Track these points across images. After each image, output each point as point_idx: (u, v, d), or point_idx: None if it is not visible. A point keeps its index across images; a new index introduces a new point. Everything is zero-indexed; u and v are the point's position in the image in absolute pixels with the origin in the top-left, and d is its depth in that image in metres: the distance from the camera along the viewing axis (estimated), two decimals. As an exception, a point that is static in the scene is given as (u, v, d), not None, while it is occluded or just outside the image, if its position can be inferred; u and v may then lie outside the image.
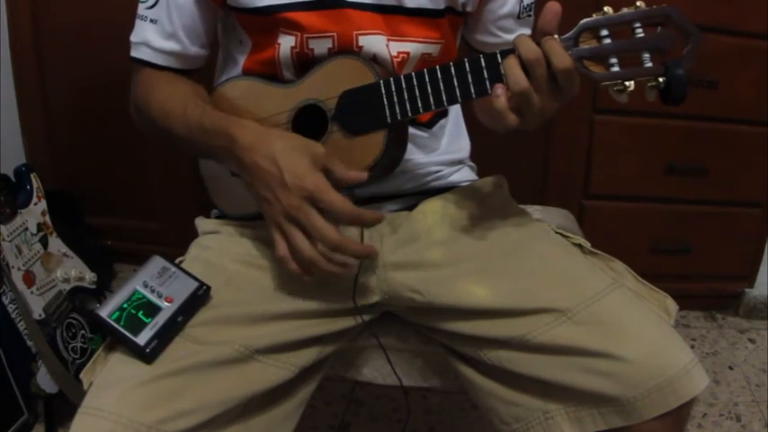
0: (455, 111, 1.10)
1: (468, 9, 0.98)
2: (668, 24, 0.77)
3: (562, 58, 0.77)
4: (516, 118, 0.81)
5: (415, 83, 0.85)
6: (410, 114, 0.86)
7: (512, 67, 0.78)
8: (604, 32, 0.79)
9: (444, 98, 0.84)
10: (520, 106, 0.80)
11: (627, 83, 0.79)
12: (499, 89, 0.80)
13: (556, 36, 0.79)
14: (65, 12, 1.78)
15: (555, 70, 0.77)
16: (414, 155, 1.01)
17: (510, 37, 1.01)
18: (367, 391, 1.63)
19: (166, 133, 0.94)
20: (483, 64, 0.82)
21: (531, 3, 1.00)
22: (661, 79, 0.78)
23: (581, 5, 0.82)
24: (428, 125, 1.03)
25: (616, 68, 0.79)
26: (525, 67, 0.78)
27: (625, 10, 0.78)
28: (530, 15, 1.01)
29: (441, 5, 0.94)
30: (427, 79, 0.85)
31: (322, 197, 0.81)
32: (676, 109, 1.61)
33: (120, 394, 0.77)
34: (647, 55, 0.78)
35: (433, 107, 0.86)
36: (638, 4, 0.78)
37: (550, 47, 0.77)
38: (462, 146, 1.11)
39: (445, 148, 1.06)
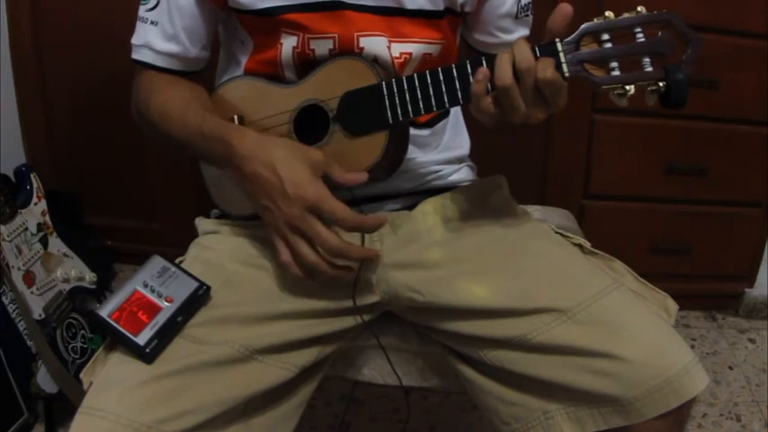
0: (455, 108, 1.10)
1: (467, 9, 0.98)
2: (669, 29, 0.78)
3: (547, 71, 0.77)
4: (493, 106, 0.81)
5: (417, 84, 0.85)
6: (411, 115, 0.86)
7: (503, 62, 0.79)
8: (605, 37, 0.79)
9: (446, 99, 0.85)
10: (500, 100, 0.80)
11: (627, 87, 0.79)
12: (480, 75, 0.81)
13: (557, 40, 0.79)
14: (65, 12, 1.78)
15: (538, 81, 0.78)
16: (414, 154, 1.01)
17: (508, 37, 1.01)
18: (367, 391, 1.63)
19: (166, 136, 0.94)
20: (484, 66, 0.82)
21: (529, 2, 1.00)
22: (661, 84, 0.78)
23: (583, 10, 0.82)
24: (429, 124, 1.03)
25: (617, 72, 0.79)
26: (516, 72, 0.79)
27: (626, 15, 0.79)
28: (527, 15, 1.01)
29: (440, 6, 0.94)
30: (429, 81, 0.85)
31: (323, 206, 0.82)
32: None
33: (119, 394, 0.77)
34: (647, 59, 0.79)
35: (434, 108, 0.86)
36: (638, 9, 0.78)
37: (542, 59, 0.78)
38: (462, 142, 1.11)
39: (445, 145, 1.07)
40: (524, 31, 1.03)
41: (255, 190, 0.85)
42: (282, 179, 0.82)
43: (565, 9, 0.78)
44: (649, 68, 0.79)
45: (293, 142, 0.89)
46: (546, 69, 0.78)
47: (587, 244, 1.00)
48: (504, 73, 0.79)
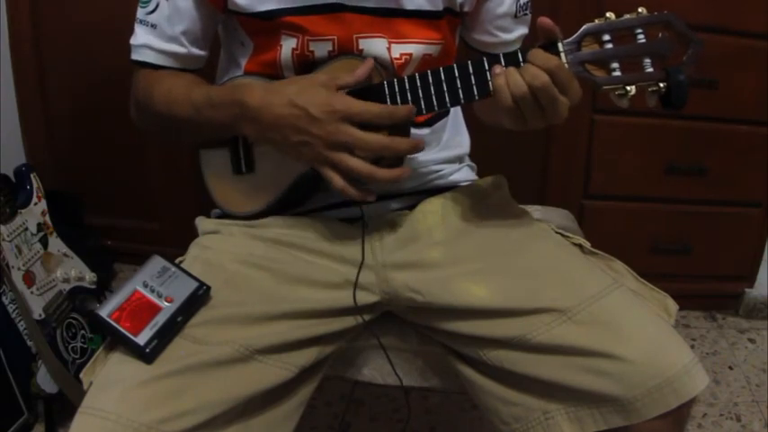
0: (455, 107, 1.10)
1: (466, 9, 0.98)
2: (669, 30, 0.78)
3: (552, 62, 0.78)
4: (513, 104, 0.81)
5: (419, 84, 0.85)
6: (414, 112, 0.86)
7: (530, 64, 0.80)
8: (607, 37, 0.80)
9: (447, 99, 0.85)
10: (540, 99, 0.80)
11: (628, 87, 0.79)
12: (498, 68, 0.82)
13: (559, 40, 0.80)
14: (65, 12, 1.78)
15: (557, 80, 0.78)
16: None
17: (508, 36, 1.01)
18: (367, 391, 1.63)
19: (172, 123, 0.94)
20: (486, 66, 0.83)
21: (528, 1, 1.01)
22: (662, 84, 0.79)
23: (584, 10, 0.83)
24: (428, 123, 1.03)
25: (618, 73, 0.80)
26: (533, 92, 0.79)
27: (627, 16, 0.79)
28: (526, 14, 1.01)
29: (439, 6, 0.95)
30: (431, 81, 0.85)
31: (354, 109, 0.83)
32: (677, 109, 1.62)
33: (120, 394, 0.77)
34: (648, 60, 0.79)
35: (436, 108, 0.86)
36: (639, 10, 0.79)
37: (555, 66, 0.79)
38: (462, 141, 1.11)
39: (446, 143, 1.07)
40: (523, 30, 1.03)
41: (284, 133, 0.85)
42: (305, 107, 0.83)
43: (545, 25, 0.80)
44: (650, 69, 0.79)
45: (296, 77, 0.90)
46: (551, 61, 0.79)
47: (587, 244, 1.00)
48: (538, 73, 0.79)
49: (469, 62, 0.84)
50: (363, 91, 0.88)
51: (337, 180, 0.85)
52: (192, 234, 1.03)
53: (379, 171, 0.84)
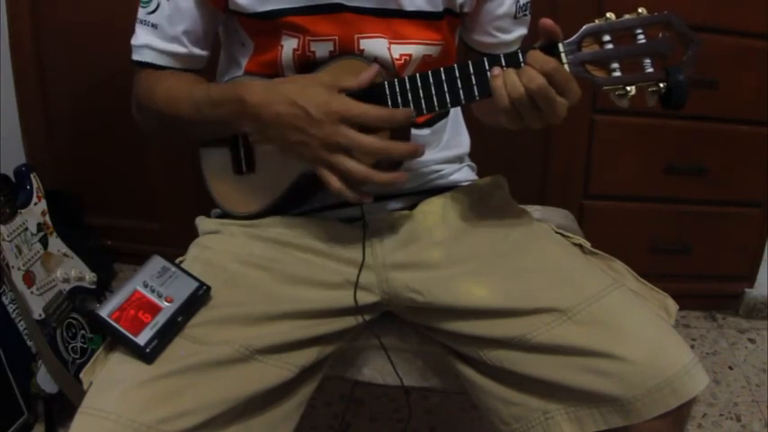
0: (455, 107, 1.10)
1: (466, 9, 0.98)
2: (669, 30, 0.79)
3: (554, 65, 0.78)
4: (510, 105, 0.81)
5: (419, 84, 0.85)
6: (414, 115, 0.86)
7: (526, 69, 0.80)
8: (607, 38, 0.80)
9: (448, 100, 0.85)
10: (538, 102, 0.80)
11: (628, 88, 0.80)
12: (496, 70, 0.82)
13: (559, 41, 0.80)
14: (65, 12, 1.78)
15: (554, 81, 0.79)
16: (415, 153, 1.01)
17: (507, 36, 1.01)
18: (367, 391, 1.63)
19: (173, 121, 0.94)
20: (486, 66, 0.83)
21: (528, 2, 1.01)
22: (662, 84, 0.79)
23: (584, 11, 0.83)
24: (428, 124, 1.03)
25: (618, 73, 0.80)
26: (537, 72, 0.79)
27: (627, 16, 0.79)
28: (525, 15, 1.01)
29: (439, 7, 0.95)
30: (431, 81, 0.85)
31: (353, 112, 0.82)
32: (677, 109, 1.62)
33: (120, 394, 0.77)
34: (648, 60, 0.79)
35: (436, 108, 0.86)
36: (639, 10, 0.79)
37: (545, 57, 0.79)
38: (462, 141, 1.11)
39: (446, 144, 1.07)
40: (522, 31, 1.03)
41: (282, 131, 0.85)
42: (305, 107, 0.83)
43: (546, 26, 0.80)
44: (650, 69, 0.79)
45: (297, 75, 0.90)
46: (554, 65, 0.79)
47: (587, 244, 1.00)
48: (534, 75, 0.79)
49: (470, 62, 0.84)
50: (364, 91, 0.88)
51: (334, 181, 0.85)
52: (192, 234, 1.03)
53: (377, 174, 0.84)
